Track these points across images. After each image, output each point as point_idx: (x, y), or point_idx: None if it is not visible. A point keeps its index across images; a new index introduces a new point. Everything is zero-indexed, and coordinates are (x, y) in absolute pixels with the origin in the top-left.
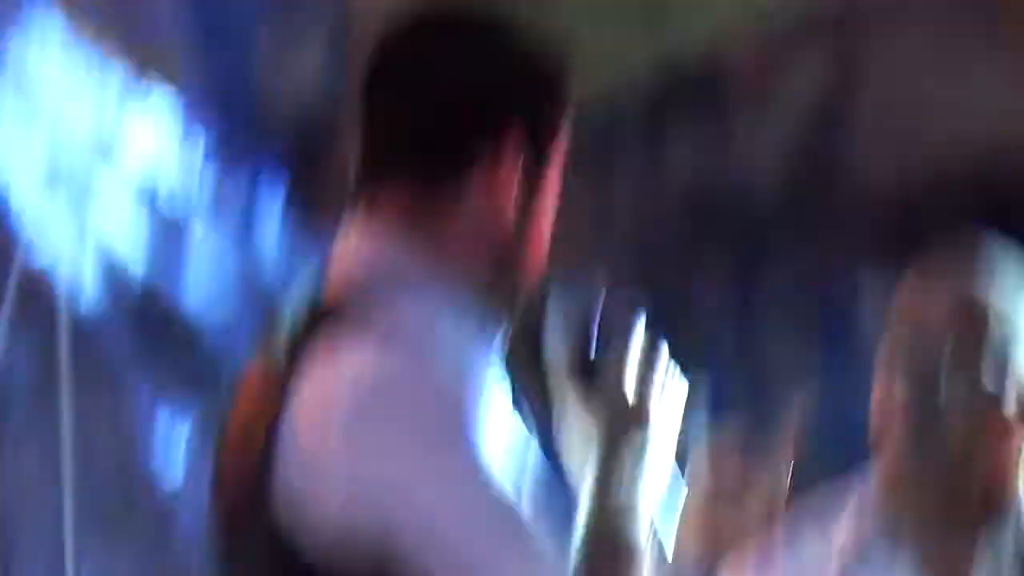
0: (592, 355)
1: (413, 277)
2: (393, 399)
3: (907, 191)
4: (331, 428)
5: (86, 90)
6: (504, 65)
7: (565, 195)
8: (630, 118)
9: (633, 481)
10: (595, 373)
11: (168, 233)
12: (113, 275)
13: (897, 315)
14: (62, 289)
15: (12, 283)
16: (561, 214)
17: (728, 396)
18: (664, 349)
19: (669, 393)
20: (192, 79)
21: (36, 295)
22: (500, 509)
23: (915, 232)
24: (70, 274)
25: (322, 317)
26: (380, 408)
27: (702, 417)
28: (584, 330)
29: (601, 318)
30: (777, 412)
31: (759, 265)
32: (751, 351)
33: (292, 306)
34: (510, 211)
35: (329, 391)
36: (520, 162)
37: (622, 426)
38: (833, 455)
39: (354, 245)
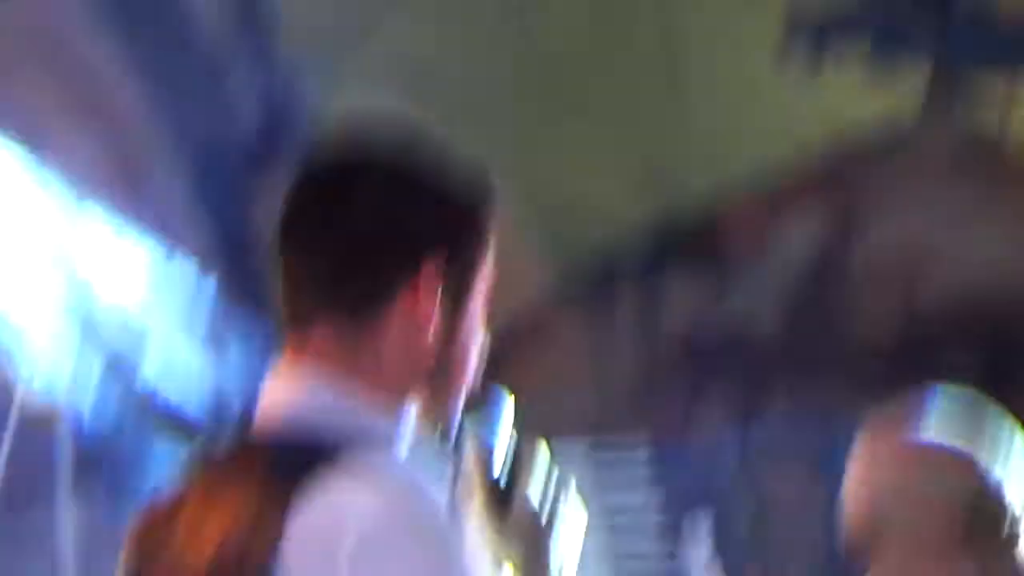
0: (502, 484)
1: (350, 412)
2: (397, 532)
3: (904, 337)
4: (340, 563)
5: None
6: (421, 202)
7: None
8: (629, 267)
9: None
10: (505, 503)
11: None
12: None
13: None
14: (62, 409)
15: (15, 406)
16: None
17: (733, 534)
18: (569, 480)
19: (573, 524)
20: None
21: (37, 417)
22: None
23: (911, 373)
24: (69, 394)
25: (267, 456)
26: (385, 542)
27: (706, 553)
28: (496, 460)
29: (512, 447)
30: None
31: (758, 404)
32: (752, 488)
33: (216, 443)
34: (431, 342)
35: (331, 529)
36: (439, 293)
37: (533, 556)
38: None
39: (284, 384)
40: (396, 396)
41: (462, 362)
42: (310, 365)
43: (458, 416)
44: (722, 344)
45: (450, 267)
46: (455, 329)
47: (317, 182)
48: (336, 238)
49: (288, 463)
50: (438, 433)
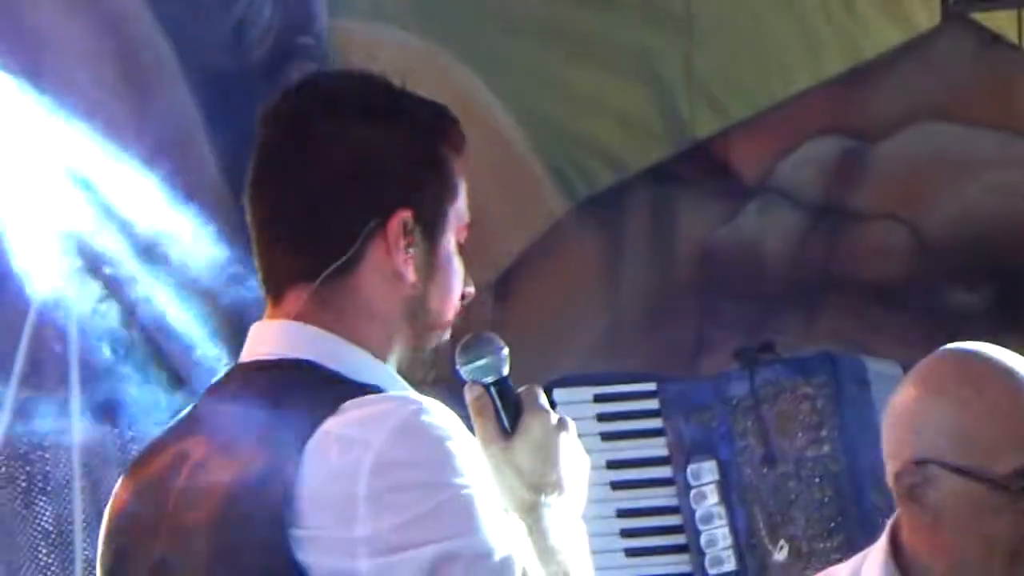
0: (504, 424)
1: (342, 357)
2: (421, 434)
3: (911, 273)
4: (367, 474)
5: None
6: (384, 154)
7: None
8: (642, 185)
9: (551, 547)
10: (508, 444)
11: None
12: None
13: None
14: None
15: (26, 332)
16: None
17: (739, 481)
18: (570, 422)
19: (578, 462)
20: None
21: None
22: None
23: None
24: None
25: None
26: (411, 446)
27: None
28: (495, 399)
29: (509, 386)
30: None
31: (769, 333)
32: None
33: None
34: (408, 289)
35: (349, 450)
36: (407, 244)
37: (536, 499)
38: (852, 509)
39: (273, 336)
40: (382, 344)
41: (442, 301)
42: (294, 322)
43: (433, 352)
44: (734, 266)
45: (419, 213)
46: (431, 272)
47: (281, 137)
48: (300, 197)
49: (293, 405)
50: (428, 378)
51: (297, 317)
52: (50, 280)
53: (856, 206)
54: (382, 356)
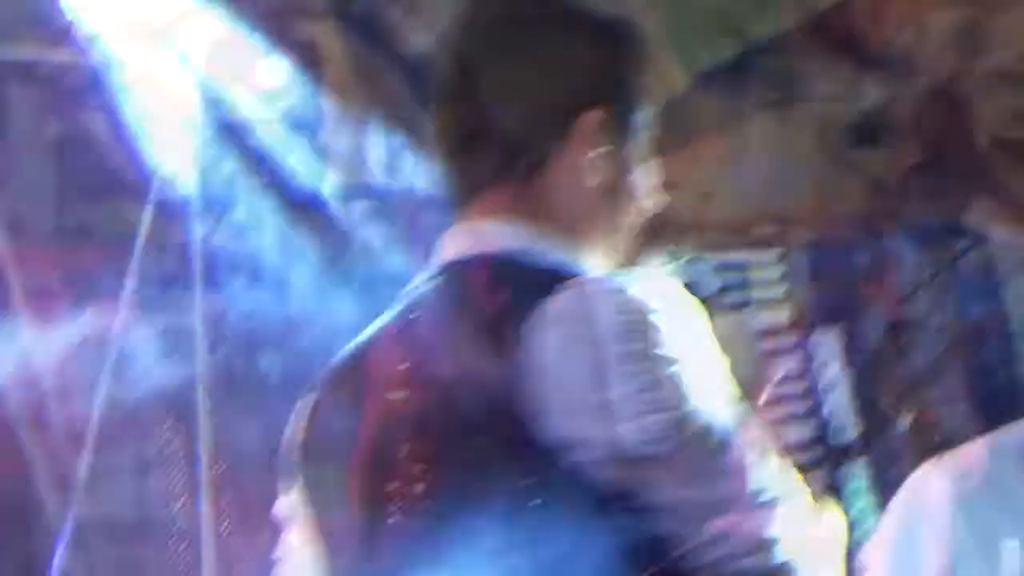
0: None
1: (545, 252)
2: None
3: None
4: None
5: None
6: (575, 55)
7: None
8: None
9: None
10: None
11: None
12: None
13: None
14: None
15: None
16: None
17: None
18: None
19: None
20: None
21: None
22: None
23: None
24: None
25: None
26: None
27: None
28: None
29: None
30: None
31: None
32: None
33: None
34: (591, 191)
35: (580, 322)
36: (599, 141)
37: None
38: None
39: (474, 234)
40: (576, 242)
41: (627, 201)
42: (494, 220)
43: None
44: (858, 137)
45: (609, 116)
46: (618, 173)
47: (470, 46)
48: (493, 101)
49: (504, 291)
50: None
51: (492, 216)
52: (174, 159)
53: (979, 75)
54: (581, 253)
